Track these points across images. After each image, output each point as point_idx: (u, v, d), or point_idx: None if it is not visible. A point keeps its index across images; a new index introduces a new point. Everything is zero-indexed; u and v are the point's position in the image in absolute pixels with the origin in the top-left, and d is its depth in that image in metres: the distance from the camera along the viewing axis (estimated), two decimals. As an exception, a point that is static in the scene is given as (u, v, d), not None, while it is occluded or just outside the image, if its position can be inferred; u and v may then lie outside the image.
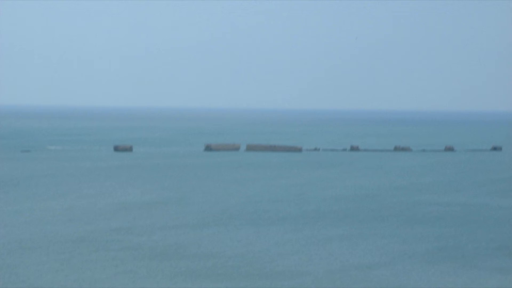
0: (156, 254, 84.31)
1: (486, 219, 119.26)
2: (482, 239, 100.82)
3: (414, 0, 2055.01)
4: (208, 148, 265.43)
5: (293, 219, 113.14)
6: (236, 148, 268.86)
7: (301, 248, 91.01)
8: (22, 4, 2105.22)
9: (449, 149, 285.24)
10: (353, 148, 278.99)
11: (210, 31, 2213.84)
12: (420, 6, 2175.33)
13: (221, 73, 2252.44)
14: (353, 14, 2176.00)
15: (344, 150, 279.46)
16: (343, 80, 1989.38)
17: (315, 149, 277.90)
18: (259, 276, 75.04)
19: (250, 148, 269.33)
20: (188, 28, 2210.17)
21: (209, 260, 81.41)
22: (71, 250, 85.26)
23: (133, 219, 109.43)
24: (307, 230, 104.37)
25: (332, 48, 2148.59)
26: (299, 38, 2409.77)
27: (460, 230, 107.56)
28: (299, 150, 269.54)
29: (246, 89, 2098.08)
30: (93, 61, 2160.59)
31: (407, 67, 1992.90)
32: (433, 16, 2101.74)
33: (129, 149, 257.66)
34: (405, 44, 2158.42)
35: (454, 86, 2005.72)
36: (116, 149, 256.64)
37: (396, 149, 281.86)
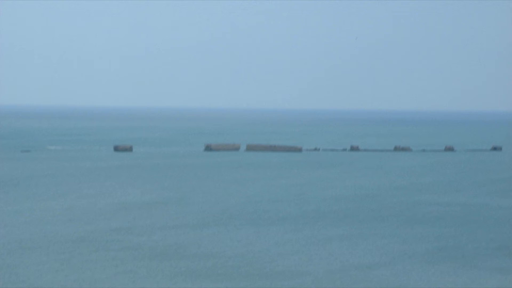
0: (156, 254, 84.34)
1: (486, 219, 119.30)
2: (482, 239, 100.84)
3: (414, 0, 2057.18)
4: (208, 148, 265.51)
5: (293, 219, 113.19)
6: (236, 148, 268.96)
7: (301, 248, 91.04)
8: (22, 4, 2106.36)
9: (449, 149, 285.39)
10: (353, 148, 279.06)
11: (210, 31, 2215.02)
12: (420, 6, 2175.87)
13: (221, 73, 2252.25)
14: (353, 14, 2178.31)
15: (344, 150, 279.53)
16: (343, 80, 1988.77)
17: (315, 149, 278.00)
18: (259, 276, 75.05)
19: (250, 148, 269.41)
20: (188, 28, 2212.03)
21: (209, 260, 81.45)
22: (71, 250, 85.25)
23: (133, 219, 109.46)
24: (307, 230, 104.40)
25: (332, 48, 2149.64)
26: (299, 38, 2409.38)
27: (460, 230, 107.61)
28: (299, 150, 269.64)
29: (246, 89, 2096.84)
30: (93, 61, 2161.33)
31: (407, 67, 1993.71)
32: (433, 16, 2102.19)
33: (129, 149, 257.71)
34: (405, 44, 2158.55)
35: (454, 86, 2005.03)
36: (116, 149, 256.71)
37: (396, 149, 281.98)
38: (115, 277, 72.61)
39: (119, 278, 72.29)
